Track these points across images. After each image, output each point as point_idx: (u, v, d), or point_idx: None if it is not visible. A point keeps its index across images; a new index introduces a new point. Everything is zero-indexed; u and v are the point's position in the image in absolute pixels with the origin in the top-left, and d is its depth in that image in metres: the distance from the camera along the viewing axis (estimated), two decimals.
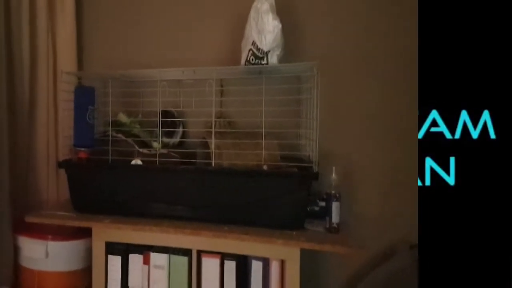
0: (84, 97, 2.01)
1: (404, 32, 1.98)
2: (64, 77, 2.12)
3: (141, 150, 2.03)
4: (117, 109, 2.16)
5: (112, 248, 1.99)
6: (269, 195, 1.81)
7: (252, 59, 1.83)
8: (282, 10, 1.95)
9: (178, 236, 1.87)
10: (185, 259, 1.92)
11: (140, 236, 1.92)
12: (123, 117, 2.14)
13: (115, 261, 2.00)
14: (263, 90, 1.80)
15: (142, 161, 1.97)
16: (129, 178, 1.96)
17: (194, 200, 1.91)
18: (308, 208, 1.86)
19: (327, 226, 1.83)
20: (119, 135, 2.11)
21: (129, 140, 2.09)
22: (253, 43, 1.81)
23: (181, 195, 1.92)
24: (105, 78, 2.09)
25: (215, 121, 1.93)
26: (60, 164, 2.07)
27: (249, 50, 1.84)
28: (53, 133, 2.39)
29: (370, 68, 2.05)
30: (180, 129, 2.19)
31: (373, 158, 2.08)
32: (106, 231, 1.95)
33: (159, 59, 2.32)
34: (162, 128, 2.00)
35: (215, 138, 1.86)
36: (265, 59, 1.80)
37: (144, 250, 1.97)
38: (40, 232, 2.15)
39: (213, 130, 1.88)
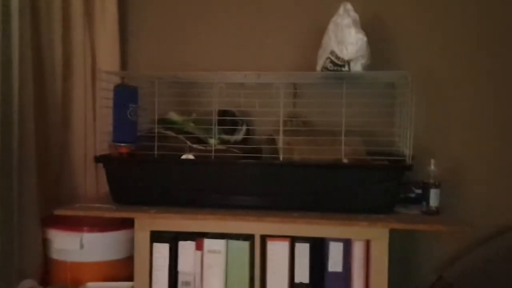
0: (125, 95, 2.06)
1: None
2: (104, 76, 2.17)
3: (194, 146, 2.07)
4: (168, 109, 2.23)
5: (158, 237, 1.96)
6: (347, 186, 1.93)
7: (330, 66, 2.01)
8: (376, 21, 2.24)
9: (237, 223, 1.89)
10: (245, 244, 1.92)
11: (191, 224, 1.92)
12: (174, 116, 2.19)
13: (161, 249, 1.95)
14: (344, 94, 1.97)
15: (195, 156, 2.02)
16: (174, 172, 1.99)
17: (255, 191, 1.97)
18: (402, 195, 2.04)
19: (424, 209, 1.96)
20: (168, 131, 2.13)
21: (180, 136, 2.12)
22: (332, 52, 2.00)
23: (240, 188, 1.98)
24: (151, 79, 2.16)
25: (287, 120, 2.05)
26: (97, 159, 2.08)
27: (327, 58, 2.02)
28: (91, 130, 2.38)
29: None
30: (244, 127, 2.25)
31: (478, 155, 2.34)
32: (151, 221, 1.93)
33: (213, 63, 2.44)
34: (221, 126, 2.07)
35: (286, 135, 1.98)
36: (347, 66, 1.99)
37: (197, 237, 1.95)
38: (76, 225, 2.13)
39: (280, 126, 1.98)
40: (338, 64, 2.00)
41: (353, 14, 2.00)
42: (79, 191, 2.37)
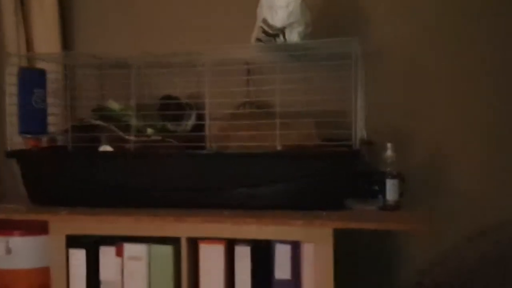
0: (28, 79, 1.87)
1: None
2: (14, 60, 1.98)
3: (126, 136, 1.85)
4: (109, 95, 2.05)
5: (75, 242, 1.76)
6: (283, 178, 1.67)
7: (263, 37, 1.73)
8: None
9: (161, 225, 1.67)
10: (169, 249, 1.69)
11: (109, 227, 1.70)
12: (113, 104, 2.00)
13: (78, 255, 1.76)
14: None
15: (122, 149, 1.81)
16: (91, 167, 1.81)
17: (180, 186, 1.75)
18: (366, 187, 1.75)
19: (380, 204, 1.68)
20: (98, 121, 1.94)
21: (112, 126, 1.91)
22: (264, 20, 1.71)
23: (165, 183, 1.76)
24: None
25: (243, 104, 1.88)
26: (7, 154, 1.88)
27: (260, 28, 1.74)
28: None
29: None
30: (193, 113, 1.99)
31: (464, 141, 2.02)
32: (65, 224, 1.73)
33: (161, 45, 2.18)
34: (165, 116, 1.89)
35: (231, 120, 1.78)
36: (281, 36, 1.70)
37: (118, 241, 1.74)
38: (2, 227, 1.90)
39: (206, 110, 1.76)
40: (270, 34, 1.70)
41: None
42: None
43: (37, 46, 2.26)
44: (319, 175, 1.64)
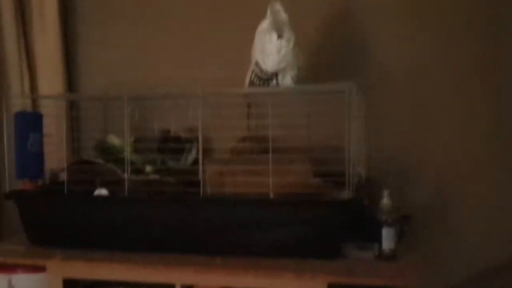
0: (23, 123, 1.86)
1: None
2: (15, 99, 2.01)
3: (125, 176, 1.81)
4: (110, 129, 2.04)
5: (73, 284, 1.73)
6: (275, 226, 1.64)
7: (256, 81, 1.70)
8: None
9: (154, 271, 1.64)
10: None
11: (103, 273, 1.67)
12: (113, 139, 1.97)
13: None
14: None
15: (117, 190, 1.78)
16: (86, 210, 1.80)
17: (172, 232, 1.72)
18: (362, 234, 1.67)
19: (376, 253, 1.61)
20: (99, 160, 1.93)
21: (110, 165, 1.89)
22: (256, 63, 1.68)
23: (154, 226, 1.74)
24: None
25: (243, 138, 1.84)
26: (6, 195, 1.89)
27: (252, 71, 1.70)
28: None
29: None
30: (193, 149, 1.96)
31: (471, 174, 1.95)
32: (62, 268, 1.71)
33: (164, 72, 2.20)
34: (164, 151, 1.86)
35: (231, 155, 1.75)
36: (274, 80, 1.66)
37: (114, 285, 1.72)
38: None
39: (200, 154, 1.73)
40: (263, 78, 1.66)
41: (282, 15, 1.63)
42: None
43: (39, 70, 2.28)
44: (313, 223, 1.60)
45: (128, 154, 1.80)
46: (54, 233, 1.82)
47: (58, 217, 1.81)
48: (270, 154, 1.61)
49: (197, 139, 1.99)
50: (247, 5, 2.03)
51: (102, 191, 1.78)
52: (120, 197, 1.76)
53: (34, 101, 2.18)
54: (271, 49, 1.59)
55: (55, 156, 1.95)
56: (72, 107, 2.18)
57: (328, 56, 2.05)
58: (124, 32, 2.29)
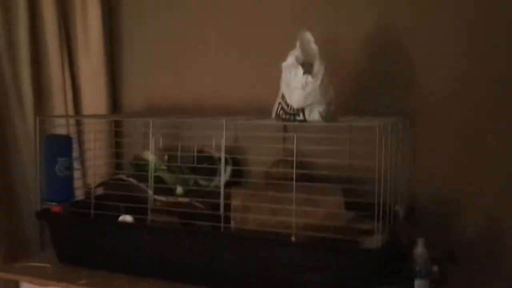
0: (52, 148, 1.87)
1: None
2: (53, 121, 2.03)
3: (155, 197, 1.82)
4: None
5: None
6: (292, 268, 1.55)
7: (282, 114, 1.60)
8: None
9: None
10: None
11: None
12: (149, 156, 1.92)
13: None
14: None
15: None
16: (110, 235, 1.81)
17: (188, 260, 1.68)
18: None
19: None
20: (130, 179, 1.94)
21: (142, 185, 1.88)
22: (283, 97, 1.59)
23: (176, 259, 1.70)
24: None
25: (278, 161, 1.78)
26: (38, 215, 1.92)
27: (279, 104, 1.61)
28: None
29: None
30: (228, 169, 1.94)
31: None
32: None
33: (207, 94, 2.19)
34: (197, 170, 1.85)
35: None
36: (301, 115, 1.55)
37: None
38: None
39: (222, 182, 1.69)
40: (289, 113, 1.56)
41: (311, 46, 1.53)
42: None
43: (83, 90, 2.31)
44: (336, 269, 1.49)
45: (151, 173, 1.79)
46: (80, 254, 1.83)
47: (83, 240, 1.83)
48: (294, 184, 1.55)
49: (231, 159, 2.00)
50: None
51: (127, 217, 1.77)
52: (140, 225, 1.76)
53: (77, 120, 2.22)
54: (296, 85, 1.48)
55: (97, 172, 2.01)
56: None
57: (371, 81, 1.94)
58: (166, 52, 2.28)
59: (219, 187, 1.78)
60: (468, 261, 1.71)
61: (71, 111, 2.26)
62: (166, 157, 2.02)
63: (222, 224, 1.63)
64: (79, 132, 2.22)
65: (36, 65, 2.14)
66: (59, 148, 1.86)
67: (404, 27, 1.87)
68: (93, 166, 2.09)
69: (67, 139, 1.88)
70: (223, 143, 1.67)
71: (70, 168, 1.85)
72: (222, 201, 1.65)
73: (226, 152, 1.97)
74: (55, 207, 1.84)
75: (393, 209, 1.65)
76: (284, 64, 1.51)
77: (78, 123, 2.22)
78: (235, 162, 2.02)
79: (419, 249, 1.51)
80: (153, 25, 2.28)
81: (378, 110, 1.88)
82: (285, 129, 1.92)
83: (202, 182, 1.96)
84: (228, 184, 1.89)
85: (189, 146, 2.00)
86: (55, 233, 1.87)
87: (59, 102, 2.22)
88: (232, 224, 1.65)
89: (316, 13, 1.97)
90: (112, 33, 2.34)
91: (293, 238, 1.54)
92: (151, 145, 1.78)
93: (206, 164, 1.93)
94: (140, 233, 1.76)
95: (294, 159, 1.57)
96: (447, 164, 1.85)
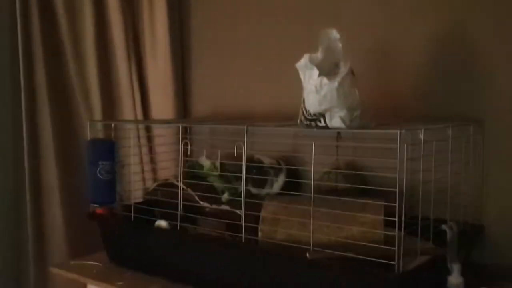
0: (94, 151, 1.90)
1: None
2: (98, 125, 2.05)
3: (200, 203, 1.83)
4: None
5: None
6: None
7: (303, 119, 1.46)
8: None
9: None
10: None
11: None
12: (204, 161, 1.98)
13: None
14: None
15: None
16: (149, 239, 1.82)
17: (216, 272, 1.64)
18: None
19: None
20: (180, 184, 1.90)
21: (189, 190, 1.87)
22: (303, 101, 1.45)
23: (207, 270, 1.66)
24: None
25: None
26: (89, 216, 1.97)
27: (301, 108, 1.47)
28: None
29: None
30: (280, 178, 1.90)
31: None
32: None
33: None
34: (247, 176, 1.75)
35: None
36: (322, 120, 1.40)
37: None
38: None
39: (243, 194, 1.62)
40: (308, 119, 1.42)
41: (334, 44, 1.38)
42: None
43: (152, 95, 2.37)
44: None
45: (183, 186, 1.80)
46: (124, 255, 1.88)
47: (125, 242, 1.88)
48: (312, 197, 1.43)
49: (285, 165, 1.95)
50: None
51: (162, 223, 1.78)
52: (169, 232, 1.77)
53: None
54: (309, 88, 1.35)
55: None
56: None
57: (434, 81, 1.77)
58: (234, 58, 2.27)
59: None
60: None
61: (140, 116, 2.33)
62: (217, 164, 2.00)
63: (243, 235, 1.56)
64: (148, 138, 2.33)
65: (104, 73, 2.25)
66: (102, 152, 1.90)
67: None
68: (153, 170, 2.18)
69: (110, 143, 1.92)
70: (244, 149, 1.61)
71: (111, 172, 1.89)
72: (243, 211, 1.59)
73: (283, 160, 1.98)
74: (99, 209, 1.90)
75: (440, 227, 1.47)
76: (298, 65, 1.38)
77: (148, 129, 2.32)
78: (290, 172, 1.94)
79: (453, 279, 1.28)
80: (222, 31, 2.29)
81: (449, 115, 1.71)
82: (338, 136, 1.79)
83: (252, 190, 1.88)
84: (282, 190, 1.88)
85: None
86: (101, 234, 1.94)
87: (128, 109, 2.31)
88: (260, 236, 1.56)
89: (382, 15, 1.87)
90: (182, 38, 2.38)
91: (308, 255, 1.41)
92: (181, 153, 1.79)
93: (256, 172, 1.87)
94: (171, 239, 1.78)
95: (313, 169, 1.44)
96: None
